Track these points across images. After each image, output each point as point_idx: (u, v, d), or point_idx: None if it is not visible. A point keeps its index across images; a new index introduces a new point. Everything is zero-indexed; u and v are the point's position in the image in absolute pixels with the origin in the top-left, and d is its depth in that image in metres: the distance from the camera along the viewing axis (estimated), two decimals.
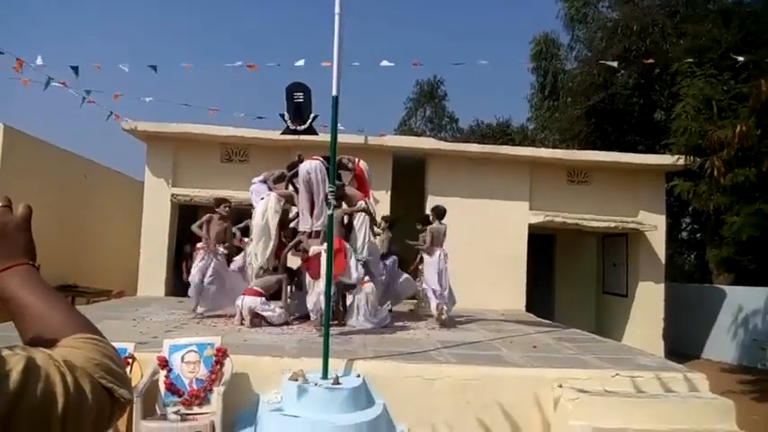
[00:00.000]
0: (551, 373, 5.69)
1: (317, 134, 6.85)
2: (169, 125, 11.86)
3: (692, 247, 20.92)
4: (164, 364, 5.17)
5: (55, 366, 0.78)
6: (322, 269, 6.87)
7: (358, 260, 7.78)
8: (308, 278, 7.68)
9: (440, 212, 9.01)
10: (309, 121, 6.49)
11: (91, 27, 55.92)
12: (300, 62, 9.77)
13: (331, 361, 5.21)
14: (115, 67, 9.91)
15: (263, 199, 8.44)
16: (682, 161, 10.87)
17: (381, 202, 11.36)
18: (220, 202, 8.63)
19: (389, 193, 11.88)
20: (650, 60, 10.93)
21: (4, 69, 9.84)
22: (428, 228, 8.91)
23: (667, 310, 12.67)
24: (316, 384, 4.93)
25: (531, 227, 12.40)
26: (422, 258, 9.13)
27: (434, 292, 8.61)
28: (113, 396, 0.85)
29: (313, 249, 7.59)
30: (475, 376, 5.59)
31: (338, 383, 4.97)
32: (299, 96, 6.38)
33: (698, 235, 19.60)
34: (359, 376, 5.30)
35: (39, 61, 9.30)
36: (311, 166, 7.84)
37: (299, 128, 6.40)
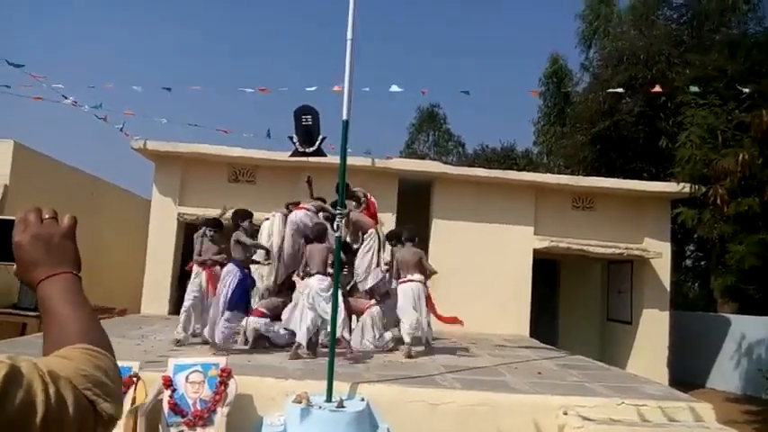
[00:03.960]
0: (556, 400, 5.66)
1: (325, 155, 6.93)
2: (178, 144, 11.94)
3: (696, 275, 20.86)
4: (168, 383, 5.16)
5: (39, 376, 0.77)
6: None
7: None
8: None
9: (394, 236, 8.24)
10: (318, 143, 6.56)
11: (78, 30, 56.42)
12: (312, 88, 9.91)
13: (335, 384, 5.20)
14: (126, 86, 10.08)
15: (267, 219, 8.48)
16: (686, 189, 10.90)
17: (386, 225, 11.39)
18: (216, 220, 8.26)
19: (395, 215, 11.90)
20: (657, 89, 11.00)
21: (15, 85, 10.02)
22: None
23: (672, 339, 12.60)
24: (319, 407, 4.92)
25: (535, 252, 12.38)
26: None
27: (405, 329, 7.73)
28: (97, 409, 0.85)
29: None
30: (479, 402, 5.57)
31: (342, 407, 4.95)
32: (308, 119, 6.45)
33: (702, 263, 19.56)
34: (363, 400, 5.28)
35: (59, 84, 9.50)
36: (297, 217, 7.94)
37: (307, 150, 6.47)
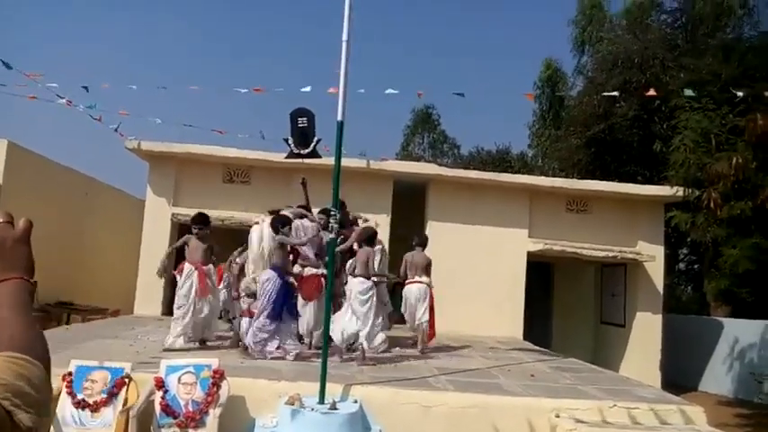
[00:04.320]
0: (549, 402, 5.67)
1: (320, 157, 6.93)
2: (172, 145, 11.91)
3: (689, 279, 20.91)
4: (160, 384, 5.14)
5: None
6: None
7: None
8: (300, 300, 7.66)
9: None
10: (313, 144, 6.56)
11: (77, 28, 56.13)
12: (307, 88, 9.87)
13: (328, 385, 5.20)
14: (121, 86, 10.08)
15: (257, 224, 8.40)
16: (680, 193, 10.93)
17: (381, 227, 11.38)
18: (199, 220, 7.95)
19: (389, 217, 11.90)
20: (651, 92, 11.04)
21: (10, 85, 9.98)
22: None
23: (665, 342, 12.63)
24: (312, 409, 4.92)
25: (529, 254, 12.40)
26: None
27: None
28: (14, 420, 0.82)
29: (307, 271, 7.66)
30: (472, 404, 5.57)
31: (335, 408, 4.95)
32: (303, 121, 6.46)
33: (695, 266, 19.60)
34: (356, 401, 5.28)
35: (53, 84, 9.47)
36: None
37: (302, 152, 6.47)
